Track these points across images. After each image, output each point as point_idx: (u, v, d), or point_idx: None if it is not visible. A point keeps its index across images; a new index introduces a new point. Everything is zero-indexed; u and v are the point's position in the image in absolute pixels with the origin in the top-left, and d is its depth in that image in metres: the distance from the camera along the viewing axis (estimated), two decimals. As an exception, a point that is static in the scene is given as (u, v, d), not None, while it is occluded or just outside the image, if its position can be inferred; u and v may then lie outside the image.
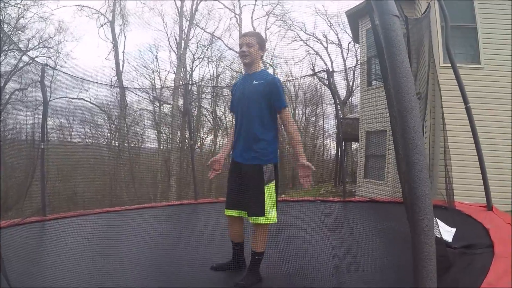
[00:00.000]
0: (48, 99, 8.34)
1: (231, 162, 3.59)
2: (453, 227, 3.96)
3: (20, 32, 22.06)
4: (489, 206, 4.81)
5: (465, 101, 4.87)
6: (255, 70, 3.52)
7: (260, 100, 3.36)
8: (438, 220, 3.87)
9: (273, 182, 3.38)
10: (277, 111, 3.42)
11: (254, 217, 3.29)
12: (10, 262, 3.17)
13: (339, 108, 22.72)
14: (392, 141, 2.79)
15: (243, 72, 3.68)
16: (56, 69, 10.66)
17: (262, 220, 3.28)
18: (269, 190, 3.33)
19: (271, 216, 3.31)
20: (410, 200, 1.51)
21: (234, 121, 3.67)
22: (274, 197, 3.36)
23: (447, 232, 3.80)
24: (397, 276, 2.95)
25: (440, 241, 3.17)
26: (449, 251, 3.30)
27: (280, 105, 3.37)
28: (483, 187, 4.86)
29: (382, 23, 1.58)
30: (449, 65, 5.05)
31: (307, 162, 3.23)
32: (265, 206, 3.28)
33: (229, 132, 3.86)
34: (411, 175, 1.50)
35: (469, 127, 4.85)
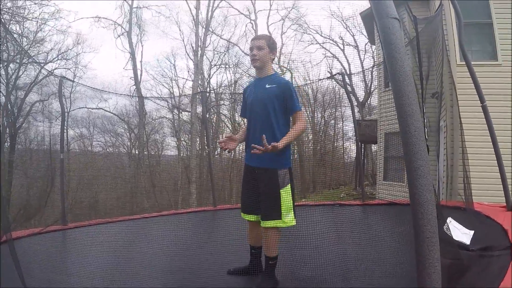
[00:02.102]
0: (67, 110, 8.47)
1: (245, 167, 3.59)
2: (471, 228, 3.89)
3: (39, 45, 22.38)
4: (508, 206, 4.72)
5: (482, 100, 4.79)
6: (266, 73, 3.50)
7: (274, 104, 3.34)
8: (455, 222, 3.81)
9: (289, 185, 3.36)
10: (291, 114, 3.39)
11: (270, 221, 3.26)
12: (30, 270, 3.23)
13: (357, 110, 22.63)
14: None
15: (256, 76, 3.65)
16: (74, 81, 10.81)
17: (278, 223, 3.26)
18: (285, 193, 3.31)
19: (287, 219, 3.29)
20: (412, 207, 1.47)
21: (246, 126, 3.65)
22: (290, 200, 3.33)
23: (465, 235, 3.73)
24: (411, 282, 2.91)
25: (454, 244, 3.12)
26: (467, 253, 3.24)
27: (294, 108, 3.34)
28: (502, 187, 4.77)
29: (381, 26, 1.55)
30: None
31: (274, 146, 3.10)
32: (281, 209, 3.27)
33: (243, 126, 3.82)
34: (413, 180, 1.46)
35: (486, 126, 4.77)
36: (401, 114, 1.48)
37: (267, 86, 3.41)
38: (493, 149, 4.77)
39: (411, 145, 1.46)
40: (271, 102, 3.35)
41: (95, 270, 3.83)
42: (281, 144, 3.17)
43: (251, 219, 3.49)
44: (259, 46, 3.42)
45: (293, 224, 3.34)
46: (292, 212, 3.34)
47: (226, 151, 3.44)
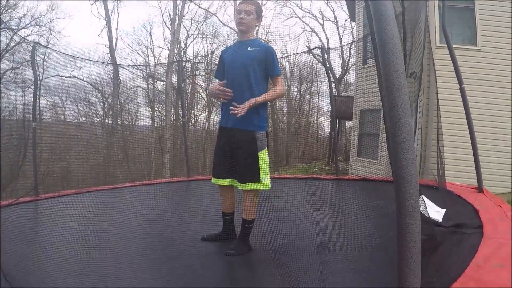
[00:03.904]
0: (40, 78, 8.24)
1: (220, 129, 3.58)
2: (443, 207, 3.95)
3: (11, 10, 21.68)
4: (480, 188, 4.80)
5: (460, 82, 4.81)
6: (249, 38, 3.50)
7: (254, 66, 3.36)
8: (428, 200, 3.86)
9: (266, 149, 3.39)
10: (271, 78, 3.43)
11: (248, 184, 3.30)
12: (3, 243, 3.17)
13: (334, 86, 22.66)
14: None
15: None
16: (48, 47, 10.49)
17: (258, 186, 3.30)
18: (263, 156, 3.34)
19: (266, 182, 3.34)
20: (395, 180, 1.47)
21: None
22: (268, 163, 3.37)
23: (437, 212, 3.78)
24: (384, 255, 2.95)
25: (428, 220, 3.17)
26: (439, 230, 3.30)
27: (275, 72, 3.38)
28: (474, 168, 4.85)
29: (371, -3, 1.52)
30: (446, 45, 5.00)
31: (251, 102, 3.21)
32: (260, 172, 3.30)
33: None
34: (397, 154, 1.46)
35: (463, 108, 4.81)
36: (388, 87, 1.46)
37: (249, 48, 3.40)
38: (468, 131, 4.83)
39: (396, 118, 1.44)
40: (252, 64, 3.35)
41: (68, 240, 3.80)
42: (256, 100, 3.24)
43: (224, 184, 3.50)
44: (248, 11, 3.41)
45: (269, 187, 3.37)
46: (269, 176, 3.39)
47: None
